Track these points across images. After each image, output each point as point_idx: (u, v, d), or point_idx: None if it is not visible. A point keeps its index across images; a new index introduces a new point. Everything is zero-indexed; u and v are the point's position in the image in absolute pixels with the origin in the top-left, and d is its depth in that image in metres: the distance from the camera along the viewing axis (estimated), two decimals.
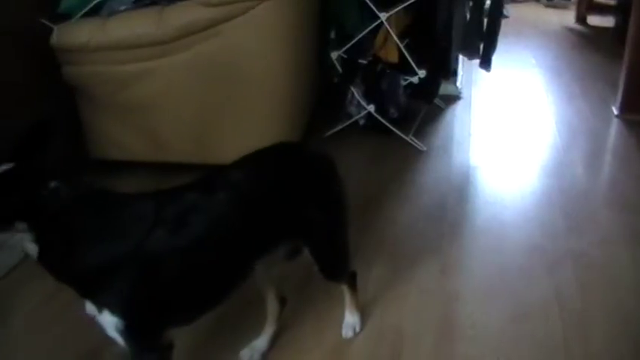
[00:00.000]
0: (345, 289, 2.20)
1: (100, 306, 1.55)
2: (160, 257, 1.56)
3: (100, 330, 1.62)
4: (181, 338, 1.80)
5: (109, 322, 1.56)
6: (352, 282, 2.19)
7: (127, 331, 1.57)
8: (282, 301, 2.16)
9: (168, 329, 1.68)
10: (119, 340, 1.59)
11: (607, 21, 6.23)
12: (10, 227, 1.44)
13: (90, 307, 1.59)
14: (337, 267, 2.08)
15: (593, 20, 6.43)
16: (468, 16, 3.77)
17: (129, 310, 1.57)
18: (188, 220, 1.60)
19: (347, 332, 2.22)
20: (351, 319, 2.24)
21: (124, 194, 1.62)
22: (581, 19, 6.45)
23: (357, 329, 2.23)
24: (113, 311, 1.54)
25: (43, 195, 1.45)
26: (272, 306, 2.15)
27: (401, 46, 3.53)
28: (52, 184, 1.46)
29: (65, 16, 3.09)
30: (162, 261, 1.57)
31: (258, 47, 2.94)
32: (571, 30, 6.32)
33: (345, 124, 3.76)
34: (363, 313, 2.27)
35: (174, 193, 1.67)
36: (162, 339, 1.67)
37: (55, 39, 2.95)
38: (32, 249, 1.49)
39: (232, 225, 1.70)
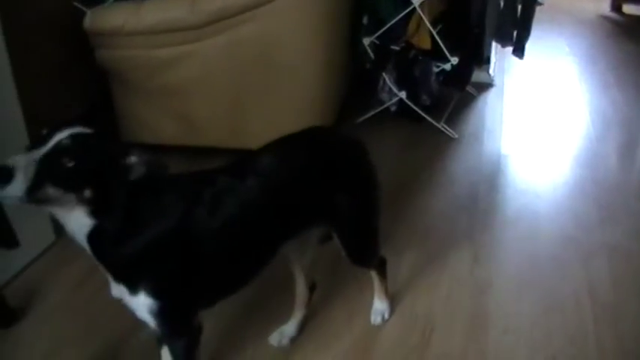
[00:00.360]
0: (374, 276, 2.19)
1: (137, 287, 1.55)
2: (197, 237, 1.57)
3: (130, 314, 1.62)
4: (211, 322, 1.81)
5: (144, 304, 1.56)
6: (381, 269, 2.19)
7: (161, 313, 1.57)
8: (312, 287, 2.17)
9: (198, 311, 1.69)
10: (151, 322, 1.60)
11: None
12: (79, 192, 1.39)
13: (116, 291, 1.59)
14: (365, 253, 2.08)
15: (629, 9, 6.31)
16: (502, 2, 3.73)
17: (165, 290, 1.57)
18: (222, 202, 1.61)
19: (376, 319, 2.23)
20: (380, 305, 2.24)
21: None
22: (616, 7, 6.33)
23: (386, 316, 2.23)
24: (149, 292, 1.54)
25: (124, 165, 1.43)
26: (301, 291, 2.15)
27: (434, 32, 3.50)
28: (133, 157, 1.43)
29: (98, 0, 3.10)
30: (199, 240, 1.58)
31: (291, 33, 2.93)
32: (606, 18, 6.21)
33: (376, 111, 3.74)
34: (394, 301, 2.27)
35: (207, 175, 1.68)
36: (193, 321, 1.68)
37: (87, 22, 2.95)
38: (84, 224, 1.45)
39: (262, 208, 1.70)
